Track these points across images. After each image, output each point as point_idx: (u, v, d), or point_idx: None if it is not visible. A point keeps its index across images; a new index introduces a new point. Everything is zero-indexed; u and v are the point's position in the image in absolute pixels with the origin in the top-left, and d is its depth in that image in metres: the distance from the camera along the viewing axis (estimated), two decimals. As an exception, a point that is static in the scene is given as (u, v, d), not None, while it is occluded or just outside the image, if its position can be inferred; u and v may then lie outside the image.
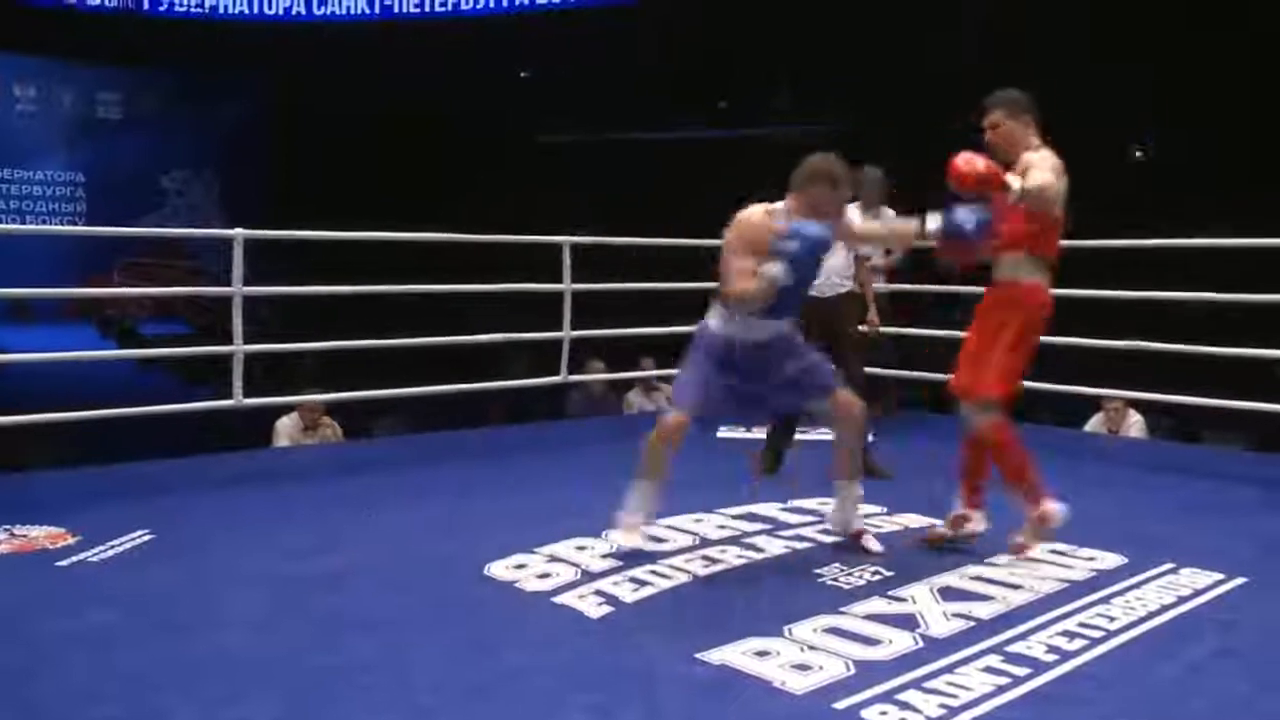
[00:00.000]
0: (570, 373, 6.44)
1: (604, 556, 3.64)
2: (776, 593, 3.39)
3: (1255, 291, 5.53)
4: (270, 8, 21.45)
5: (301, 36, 21.14)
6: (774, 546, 3.84)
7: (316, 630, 3.06)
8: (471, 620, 3.15)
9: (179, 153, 22.63)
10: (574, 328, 6.26)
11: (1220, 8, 14.35)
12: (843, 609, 3.17)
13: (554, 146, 20.48)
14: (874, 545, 3.82)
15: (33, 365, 6.96)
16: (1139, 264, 6.64)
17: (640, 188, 18.06)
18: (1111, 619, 3.12)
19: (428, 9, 21.23)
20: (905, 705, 2.55)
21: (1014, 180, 3.46)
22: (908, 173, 5.82)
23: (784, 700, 2.61)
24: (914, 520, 4.10)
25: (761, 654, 2.84)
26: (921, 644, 2.92)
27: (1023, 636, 2.98)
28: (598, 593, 3.31)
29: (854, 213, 5.09)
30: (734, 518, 4.16)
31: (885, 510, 4.30)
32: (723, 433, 6.13)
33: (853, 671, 2.73)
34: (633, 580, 3.42)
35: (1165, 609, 3.23)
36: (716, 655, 2.82)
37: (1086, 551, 3.74)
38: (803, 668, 2.76)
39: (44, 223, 21.16)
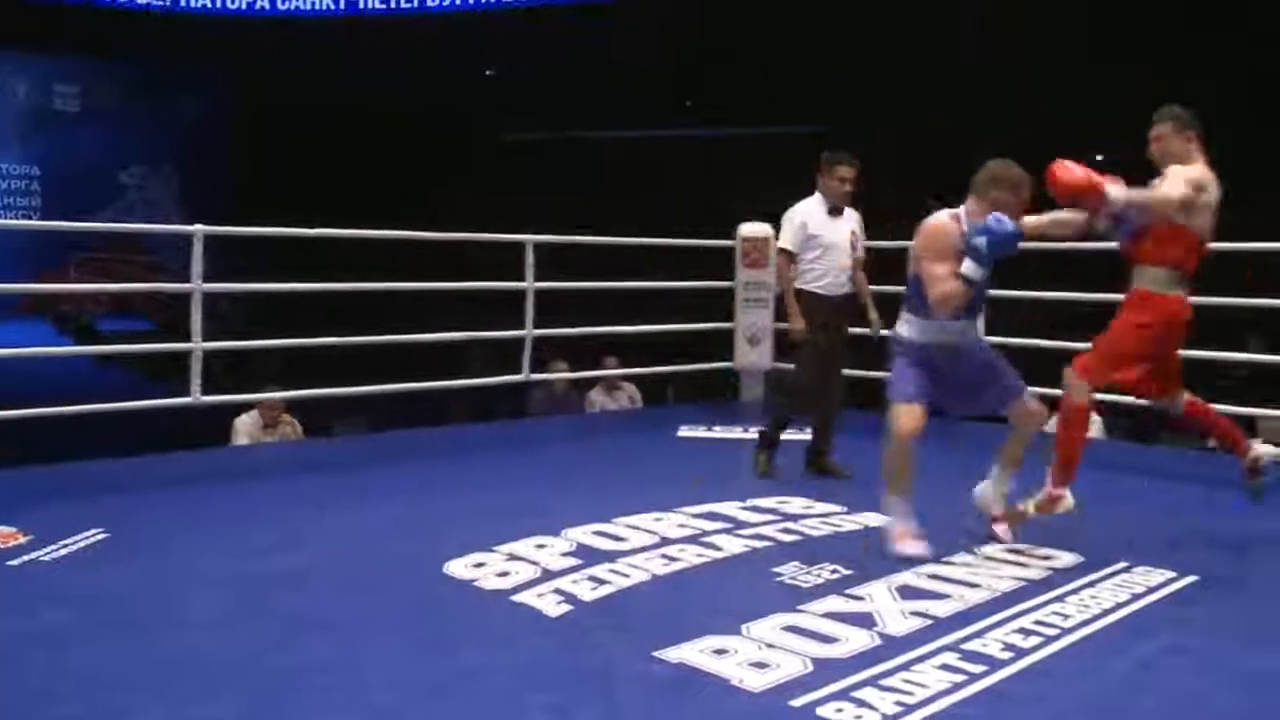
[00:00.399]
0: (532, 371, 6.43)
1: (563, 555, 3.64)
2: (735, 591, 3.40)
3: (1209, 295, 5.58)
4: (234, 2, 21.22)
5: (265, 31, 20.96)
6: (734, 545, 3.85)
7: (275, 629, 3.04)
8: (430, 619, 3.14)
9: (138, 147, 22.30)
10: (536, 326, 6.26)
11: (1220, 8, 14.48)
12: (801, 607, 3.18)
13: (519, 145, 20.44)
14: (1005, 534, 3.88)
15: (-14, 361, 6.85)
16: (1103, 267, 6.66)
17: (602, 186, 18.04)
18: (1066, 617, 3.16)
19: (393, 5, 21.13)
20: (861, 703, 2.57)
21: (1115, 190, 3.55)
22: (886, 174, 5.82)
23: (742, 698, 2.62)
24: (873, 519, 4.12)
25: (720, 652, 2.85)
26: (879, 642, 2.94)
27: (979, 634, 3.01)
28: (557, 591, 3.31)
29: (818, 206, 5.12)
30: (694, 516, 4.16)
31: (845, 509, 4.33)
32: (683, 432, 6.15)
33: (810, 669, 2.75)
34: (592, 579, 3.42)
35: (1119, 607, 3.27)
36: (675, 653, 2.83)
37: (1043, 550, 3.79)
38: (760, 665, 2.77)
39: (-3, 216, 20.79)
